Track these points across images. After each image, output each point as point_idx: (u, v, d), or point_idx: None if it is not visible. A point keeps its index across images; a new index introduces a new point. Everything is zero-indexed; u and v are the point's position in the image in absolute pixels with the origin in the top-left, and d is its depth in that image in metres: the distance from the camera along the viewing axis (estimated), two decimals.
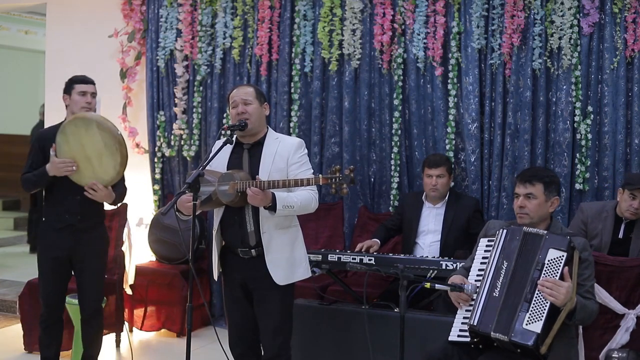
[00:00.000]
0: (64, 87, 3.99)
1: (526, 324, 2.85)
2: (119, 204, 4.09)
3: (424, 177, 4.51)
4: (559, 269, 2.90)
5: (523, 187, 3.16)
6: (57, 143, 3.78)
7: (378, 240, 4.46)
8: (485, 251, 3.15)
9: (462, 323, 3.05)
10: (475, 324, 2.95)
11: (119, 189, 3.93)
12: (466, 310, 3.06)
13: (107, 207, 4.08)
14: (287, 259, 3.37)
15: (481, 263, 3.13)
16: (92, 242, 3.95)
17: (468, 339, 3.00)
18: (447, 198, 4.51)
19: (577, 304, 2.90)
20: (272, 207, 3.19)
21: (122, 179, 3.94)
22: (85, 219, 3.90)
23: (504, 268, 3.01)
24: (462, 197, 4.60)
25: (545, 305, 2.85)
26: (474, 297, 3.04)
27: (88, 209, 3.89)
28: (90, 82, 3.98)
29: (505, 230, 3.10)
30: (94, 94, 3.96)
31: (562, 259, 2.91)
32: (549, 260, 2.92)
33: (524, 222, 3.15)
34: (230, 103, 3.45)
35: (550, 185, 3.15)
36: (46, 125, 6.07)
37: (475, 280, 3.11)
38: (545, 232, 3.02)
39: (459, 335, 3.03)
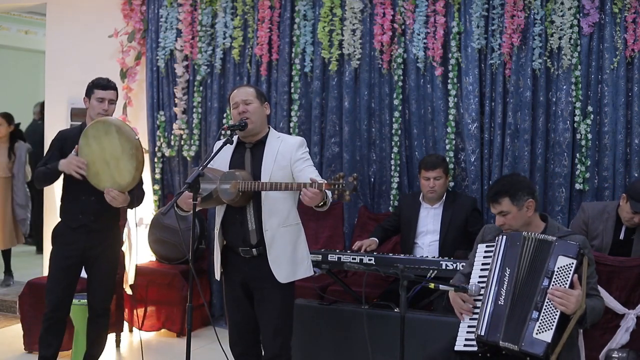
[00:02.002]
0: (86, 88, 4.00)
1: (536, 334, 2.83)
2: (136, 207, 4.06)
3: (421, 179, 4.50)
4: (568, 277, 2.87)
5: (493, 207, 3.17)
6: (79, 145, 3.81)
7: (376, 239, 4.46)
8: (484, 257, 3.12)
9: (468, 332, 3.01)
10: (482, 334, 2.92)
11: (136, 192, 3.93)
12: (470, 319, 3.03)
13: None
14: (289, 257, 3.37)
15: (481, 269, 3.09)
16: (106, 242, 3.99)
17: (475, 349, 2.97)
18: (444, 198, 4.51)
19: (587, 309, 2.89)
20: (323, 203, 3.17)
21: (140, 182, 3.95)
22: (99, 219, 3.93)
23: (507, 275, 2.98)
24: (460, 196, 4.60)
25: (556, 314, 2.83)
26: (479, 306, 3.01)
27: (102, 210, 3.91)
28: (111, 87, 3.98)
29: (504, 237, 3.07)
30: (112, 101, 3.96)
31: (571, 267, 2.88)
32: (558, 268, 2.89)
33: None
34: (231, 104, 3.46)
35: (516, 193, 3.11)
36: (46, 126, 6.10)
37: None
38: (555, 238, 2.98)
39: (465, 345, 3.00)
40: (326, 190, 3.13)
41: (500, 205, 3.14)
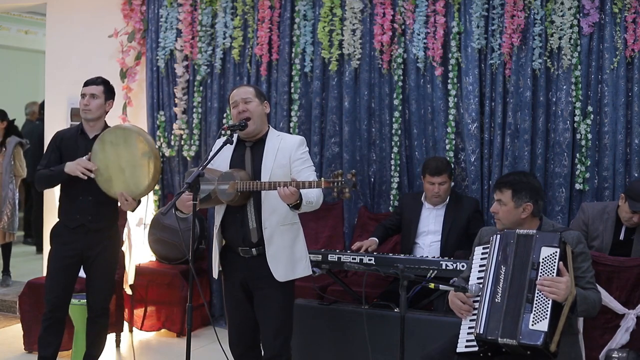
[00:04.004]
0: None
1: (532, 325, 2.85)
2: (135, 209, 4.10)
3: (425, 183, 4.48)
4: (554, 266, 2.91)
5: (495, 193, 3.25)
6: (93, 150, 3.83)
7: (376, 239, 4.46)
8: (481, 259, 3.15)
9: (468, 333, 3.03)
10: (481, 332, 2.94)
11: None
12: (470, 320, 3.05)
13: None
14: (287, 256, 3.37)
15: (479, 271, 3.12)
16: (104, 242, 3.99)
17: (476, 349, 2.98)
18: (447, 200, 4.51)
19: (577, 296, 2.92)
20: (296, 205, 3.19)
21: None
22: (97, 219, 3.93)
23: (503, 273, 3.01)
24: (462, 197, 4.60)
25: (548, 303, 2.86)
26: (476, 306, 3.03)
27: (100, 210, 3.93)
28: (92, 83, 3.99)
29: (498, 236, 3.11)
30: (93, 95, 3.95)
31: (555, 255, 2.93)
32: (543, 259, 2.94)
33: (499, 227, 3.22)
34: (230, 103, 3.47)
35: (520, 191, 3.16)
36: (45, 125, 6.10)
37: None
38: (535, 231, 3.04)
39: (466, 346, 3.01)
40: (301, 193, 3.15)
41: (501, 194, 3.20)
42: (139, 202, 4.00)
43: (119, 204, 3.96)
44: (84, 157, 3.84)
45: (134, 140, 3.78)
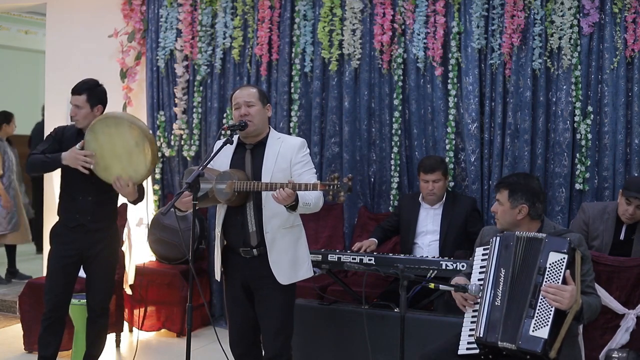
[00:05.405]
0: None
1: (532, 331, 2.83)
2: (138, 204, 4.06)
3: (420, 181, 4.50)
4: (561, 272, 2.88)
5: (496, 192, 3.27)
6: (86, 141, 3.80)
7: (375, 240, 4.46)
8: (482, 260, 3.14)
9: (469, 335, 3.02)
10: (481, 335, 2.94)
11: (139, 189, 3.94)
12: (471, 322, 3.04)
13: None
14: (290, 259, 3.37)
15: (479, 272, 3.12)
16: (104, 242, 3.98)
17: (477, 351, 2.98)
18: (444, 199, 4.52)
19: (583, 305, 2.90)
20: (292, 205, 3.18)
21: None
22: (97, 219, 3.93)
23: (502, 276, 2.99)
24: (460, 197, 4.61)
25: (550, 310, 2.84)
26: (476, 308, 3.03)
27: (100, 210, 3.92)
28: (75, 92, 3.91)
29: (498, 238, 3.09)
30: (77, 106, 3.88)
31: (563, 262, 2.89)
32: (550, 264, 2.90)
33: (498, 226, 3.23)
34: (232, 104, 3.46)
35: (516, 192, 3.15)
36: (46, 126, 6.10)
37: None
38: (545, 235, 3.00)
39: (467, 349, 3.01)
40: (298, 194, 3.15)
41: (499, 194, 3.21)
42: (141, 196, 3.98)
43: (118, 204, 3.96)
44: (76, 146, 3.79)
45: (126, 127, 3.75)
